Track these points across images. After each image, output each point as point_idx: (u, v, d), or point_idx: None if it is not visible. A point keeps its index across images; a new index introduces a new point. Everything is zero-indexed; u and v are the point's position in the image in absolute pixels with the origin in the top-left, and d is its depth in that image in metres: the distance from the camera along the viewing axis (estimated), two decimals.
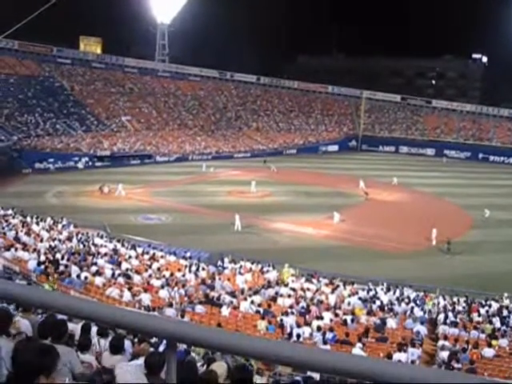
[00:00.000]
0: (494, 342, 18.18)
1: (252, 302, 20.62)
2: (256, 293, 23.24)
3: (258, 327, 17.69)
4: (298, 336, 16.18)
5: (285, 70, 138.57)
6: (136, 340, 8.95)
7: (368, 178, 64.34)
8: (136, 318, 2.06)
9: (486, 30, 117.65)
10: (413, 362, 14.94)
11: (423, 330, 19.26)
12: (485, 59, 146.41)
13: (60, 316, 5.27)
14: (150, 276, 23.63)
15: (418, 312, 22.92)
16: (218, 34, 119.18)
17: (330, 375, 2.13)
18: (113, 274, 22.29)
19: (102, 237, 33.63)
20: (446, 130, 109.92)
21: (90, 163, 71.23)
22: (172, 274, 24.44)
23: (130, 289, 20.10)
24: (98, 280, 20.72)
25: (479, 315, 23.37)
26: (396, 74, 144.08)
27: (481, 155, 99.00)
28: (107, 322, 2.08)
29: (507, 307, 25.28)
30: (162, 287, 21.38)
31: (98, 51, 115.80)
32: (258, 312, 19.70)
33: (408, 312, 22.85)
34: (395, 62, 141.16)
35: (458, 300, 26.78)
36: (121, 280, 21.75)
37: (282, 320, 18.22)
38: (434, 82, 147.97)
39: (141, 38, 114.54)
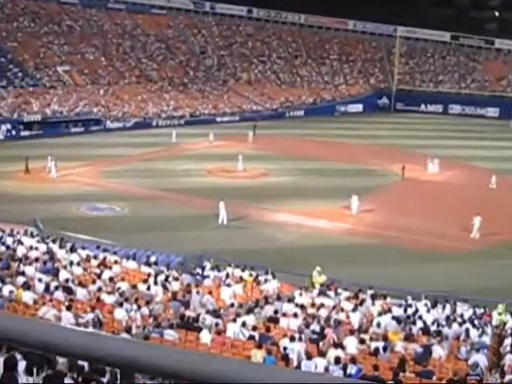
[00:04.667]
0: None
1: (244, 325, 20.61)
2: (249, 311, 23.25)
3: (252, 359, 17.69)
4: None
5: None
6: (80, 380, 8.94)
7: (404, 150, 64.34)
8: (79, 337, 2.02)
9: None
10: None
11: (483, 360, 19.33)
12: None
13: None
14: (100, 289, 23.57)
15: (475, 336, 23.01)
16: None
17: None
18: (47, 288, 22.22)
19: (31, 235, 33.51)
20: None
21: (13, 132, 70.97)
22: (131, 287, 24.42)
23: (69, 308, 20.05)
24: (27, 295, 20.65)
25: None
26: (444, 3, 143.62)
27: None
28: (34, 344, 2.04)
29: None
30: (119, 305, 21.35)
31: None
32: (252, 338, 19.69)
33: (462, 336, 22.92)
34: None
35: None
36: (59, 295, 21.70)
37: (285, 349, 18.23)
38: (497, 13, 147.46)
39: None
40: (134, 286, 24.78)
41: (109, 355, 2.01)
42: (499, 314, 27.01)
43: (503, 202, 48.88)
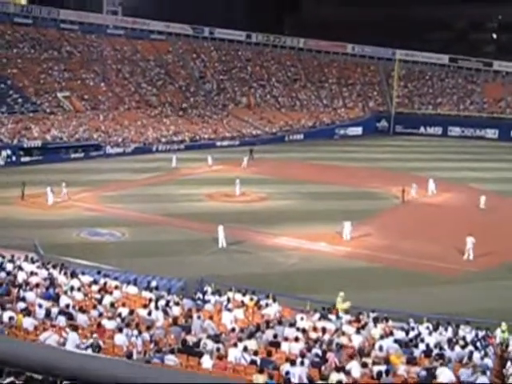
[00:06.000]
0: None
1: (245, 349, 20.54)
2: (251, 336, 23.18)
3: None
4: None
5: (285, 22, 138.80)
6: None
7: (403, 173, 64.40)
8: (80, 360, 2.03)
9: None
10: None
11: (486, 382, 19.24)
12: None
13: None
14: (101, 315, 23.52)
15: (478, 358, 22.91)
16: None
17: None
18: (48, 313, 22.17)
19: (31, 261, 33.47)
20: None
21: (14, 158, 71.06)
22: (132, 312, 24.35)
23: (75, 329, 19.99)
24: (28, 321, 20.60)
25: None
26: (442, 26, 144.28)
27: None
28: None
29: None
30: (120, 330, 21.29)
31: (23, 1, 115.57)
32: (253, 362, 19.63)
33: (465, 359, 22.83)
34: (440, 10, 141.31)
35: None
36: (61, 320, 21.65)
37: (287, 373, 18.17)
38: (495, 35, 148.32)
39: None
40: (133, 312, 24.71)
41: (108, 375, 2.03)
42: (503, 331, 27.14)
43: (498, 222, 49.15)
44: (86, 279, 30.11)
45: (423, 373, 20.22)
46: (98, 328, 21.80)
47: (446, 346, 24.62)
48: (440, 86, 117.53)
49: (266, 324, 25.50)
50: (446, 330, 27.88)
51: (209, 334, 23.01)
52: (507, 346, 25.80)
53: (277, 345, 22.35)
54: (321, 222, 48.35)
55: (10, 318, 20.31)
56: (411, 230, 47.51)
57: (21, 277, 28.15)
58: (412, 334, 26.07)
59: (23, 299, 23.43)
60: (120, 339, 20.60)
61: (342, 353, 21.62)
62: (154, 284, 31.72)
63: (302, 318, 27.26)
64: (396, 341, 23.99)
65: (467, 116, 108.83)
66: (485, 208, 53.05)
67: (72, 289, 27.19)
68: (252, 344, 21.56)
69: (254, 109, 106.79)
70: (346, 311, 29.81)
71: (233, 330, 24.18)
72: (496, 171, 72.78)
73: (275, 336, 23.38)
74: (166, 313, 25.24)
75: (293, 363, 19.25)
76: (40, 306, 22.96)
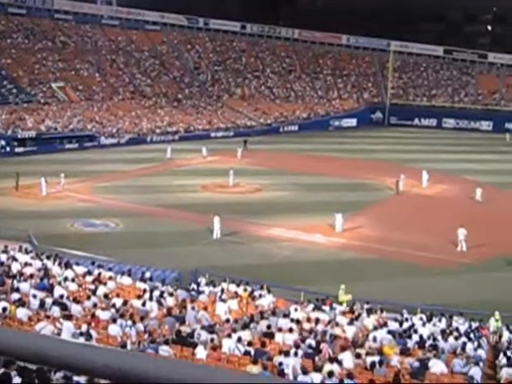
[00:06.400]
0: None
1: (239, 340, 20.56)
2: (245, 327, 23.20)
3: None
4: None
5: (280, 13, 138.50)
6: None
7: (398, 164, 64.45)
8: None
9: None
10: None
11: (479, 373, 19.31)
12: None
13: None
14: (95, 305, 23.53)
15: (471, 350, 22.99)
16: None
17: None
18: (42, 304, 22.18)
19: (26, 251, 33.45)
20: (509, 95, 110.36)
21: (8, 148, 70.92)
22: (126, 303, 24.36)
23: (69, 317, 19.98)
24: (22, 312, 20.60)
25: None
26: (437, 18, 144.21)
27: None
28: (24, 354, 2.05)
29: None
30: (114, 321, 21.30)
31: None
32: (247, 353, 19.66)
33: (458, 350, 22.89)
34: (435, 1, 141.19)
35: None
36: (55, 311, 21.65)
37: (281, 363, 18.20)
38: (490, 27, 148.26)
39: None
40: (127, 302, 24.72)
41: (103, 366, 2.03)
42: (496, 320, 27.34)
43: (492, 214, 49.28)
44: (80, 270, 30.11)
45: (416, 363, 20.28)
46: (92, 318, 21.82)
47: (439, 337, 24.69)
48: (435, 78, 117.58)
49: (260, 315, 25.54)
50: (439, 321, 27.96)
51: (203, 324, 23.03)
52: (500, 336, 25.91)
53: (271, 335, 22.39)
54: (315, 213, 48.30)
55: (4, 309, 20.31)
56: (405, 222, 47.57)
57: (15, 267, 28.15)
58: (406, 325, 26.12)
59: (17, 290, 23.42)
60: (114, 330, 20.61)
61: (336, 343, 21.67)
62: (148, 275, 31.72)
63: (295, 309, 27.32)
64: (390, 332, 24.05)
65: (462, 108, 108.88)
66: (481, 200, 53.00)
67: (66, 279, 27.19)
68: (246, 335, 21.59)
69: (248, 100, 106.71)
70: (347, 303, 29.94)
71: (227, 320, 24.21)
72: (490, 163, 72.87)
73: (269, 327, 23.42)
74: (160, 303, 25.27)
75: (287, 354, 19.30)
76: (34, 296, 22.96)
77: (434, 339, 24.19)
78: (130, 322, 21.37)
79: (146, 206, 49.88)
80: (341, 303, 29.64)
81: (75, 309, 22.70)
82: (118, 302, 24.42)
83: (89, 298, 24.71)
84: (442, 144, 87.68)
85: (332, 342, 21.82)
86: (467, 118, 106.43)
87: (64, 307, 22.56)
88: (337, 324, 24.88)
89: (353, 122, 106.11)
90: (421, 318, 27.97)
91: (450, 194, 57.39)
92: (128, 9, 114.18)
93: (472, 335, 25.85)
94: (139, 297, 25.87)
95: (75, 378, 9.23)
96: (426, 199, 55.12)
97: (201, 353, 19.38)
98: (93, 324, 20.83)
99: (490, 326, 27.56)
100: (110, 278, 29.09)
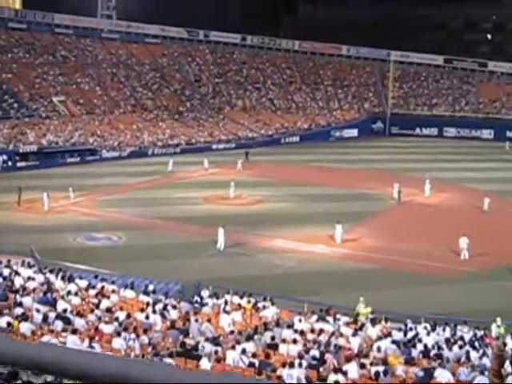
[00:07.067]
0: None
1: (243, 352, 20.54)
2: (249, 338, 23.18)
3: None
4: None
5: (280, 25, 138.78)
6: None
7: (399, 174, 64.45)
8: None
9: None
10: None
11: (484, 381, 19.26)
12: None
13: None
14: (99, 319, 23.51)
15: (476, 358, 22.93)
16: None
17: None
18: (45, 318, 22.16)
19: (28, 266, 33.44)
20: (509, 104, 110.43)
21: (10, 163, 70.96)
22: (129, 316, 24.33)
23: (74, 332, 19.97)
24: (25, 327, 20.58)
25: None
26: (436, 27, 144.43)
27: None
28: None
29: None
30: (117, 334, 21.28)
31: (17, 6, 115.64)
32: (251, 365, 19.63)
33: (463, 358, 22.85)
34: (435, 10, 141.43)
35: None
36: (58, 325, 21.63)
37: (285, 375, 18.18)
38: (489, 36, 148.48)
39: None
40: (131, 316, 24.71)
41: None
42: (498, 326, 27.38)
43: (496, 223, 49.31)
44: (83, 283, 30.08)
45: (421, 373, 20.24)
46: (96, 332, 21.80)
47: (444, 346, 24.65)
48: (435, 87, 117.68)
49: (263, 326, 25.50)
50: (443, 330, 27.91)
51: (207, 336, 23.01)
52: (505, 344, 25.81)
53: (275, 347, 22.35)
54: (317, 223, 48.29)
55: (8, 324, 20.30)
56: (408, 231, 47.60)
57: (18, 282, 28.12)
58: (410, 335, 26.09)
59: (20, 304, 23.40)
60: (118, 343, 20.59)
61: (340, 354, 21.64)
62: (151, 288, 31.69)
63: (299, 320, 27.28)
64: (394, 341, 24.02)
65: (462, 116, 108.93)
66: (487, 210, 52.69)
67: (69, 293, 27.17)
68: (250, 346, 21.57)
69: (249, 111, 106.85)
70: (367, 317, 29.52)
71: (231, 332, 24.20)
72: (492, 171, 72.88)
73: (273, 338, 23.38)
74: (163, 316, 25.24)
75: (291, 365, 19.27)
76: (37, 310, 22.95)
77: (439, 348, 24.16)
78: (133, 335, 21.35)
79: (149, 219, 49.90)
80: (356, 316, 29.04)
81: (79, 323, 22.67)
82: (122, 315, 24.41)
83: (92, 311, 24.69)
84: (444, 153, 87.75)
85: (336, 352, 21.79)
86: (468, 126, 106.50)
87: (67, 321, 22.55)
88: (341, 334, 24.87)
89: (354, 132, 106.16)
90: (425, 328, 27.95)
91: (452, 202, 57.41)
92: (128, 22, 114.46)
93: (477, 344, 25.80)
94: (142, 310, 25.85)
95: None
96: (429, 208, 55.09)
97: (205, 365, 19.36)
98: (96, 338, 20.82)
99: (491, 332, 27.61)
100: (113, 292, 29.05)
